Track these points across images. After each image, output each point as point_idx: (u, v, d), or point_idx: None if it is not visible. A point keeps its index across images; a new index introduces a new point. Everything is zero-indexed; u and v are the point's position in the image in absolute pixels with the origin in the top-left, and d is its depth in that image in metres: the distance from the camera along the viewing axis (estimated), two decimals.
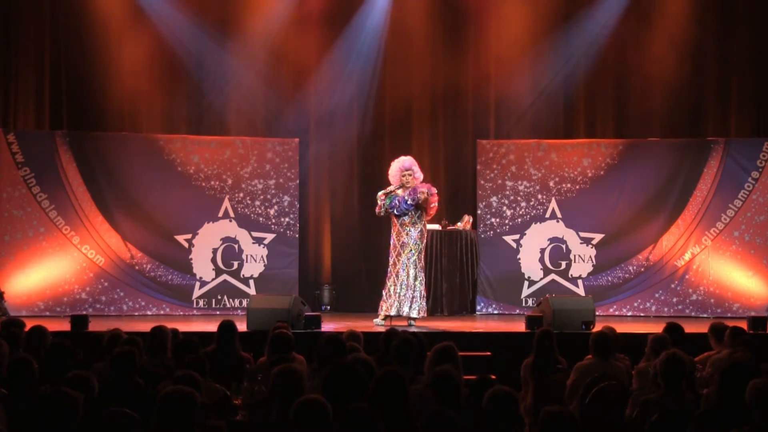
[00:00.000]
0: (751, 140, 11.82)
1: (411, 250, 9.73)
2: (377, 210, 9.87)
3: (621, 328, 7.89)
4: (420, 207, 9.70)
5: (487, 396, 4.04)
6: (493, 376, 5.02)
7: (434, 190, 9.78)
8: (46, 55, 11.75)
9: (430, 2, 12.20)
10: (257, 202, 11.89)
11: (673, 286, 11.67)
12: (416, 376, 5.27)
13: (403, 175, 9.78)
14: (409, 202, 9.61)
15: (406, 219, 9.73)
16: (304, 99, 12.20)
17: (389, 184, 9.97)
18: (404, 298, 9.70)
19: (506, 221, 11.95)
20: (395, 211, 9.70)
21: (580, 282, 11.82)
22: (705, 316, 11.41)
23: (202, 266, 11.73)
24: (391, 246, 9.86)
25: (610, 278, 11.81)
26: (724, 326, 6.77)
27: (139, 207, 11.59)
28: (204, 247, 11.75)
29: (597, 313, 9.90)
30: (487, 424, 4.01)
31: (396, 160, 10.00)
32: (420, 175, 9.92)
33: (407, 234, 9.73)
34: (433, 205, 9.74)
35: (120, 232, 11.54)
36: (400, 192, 9.75)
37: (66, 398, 4.02)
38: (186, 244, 11.72)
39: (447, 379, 4.49)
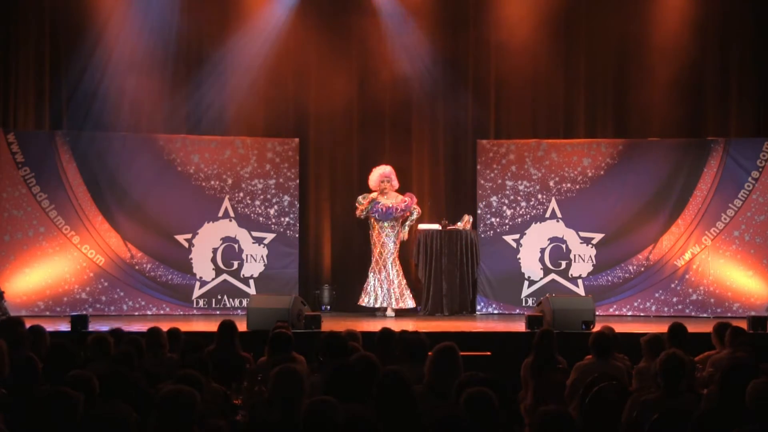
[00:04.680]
0: (751, 140, 11.82)
1: (390, 251, 11.33)
2: (358, 213, 11.39)
3: (621, 327, 7.89)
4: (398, 218, 11.36)
5: (463, 396, 4.04)
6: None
7: (415, 200, 11.48)
8: (46, 55, 11.74)
9: (430, 3, 12.19)
10: (257, 202, 11.89)
11: (673, 285, 11.67)
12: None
13: (382, 182, 11.35)
14: (394, 215, 11.29)
15: (386, 224, 11.33)
16: (304, 99, 12.20)
17: None
18: (388, 292, 11.29)
19: (506, 221, 11.95)
20: (377, 216, 11.28)
21: (580, 282, 11.82)
22: (705, 315, 11.41)
23: (202, 266, 11.74)
24: (372, 244, 11.45)
25: (610, 278, 11.81)
26: (727, 326, 6.77)
27: (139, 207, 11.59)
28: (204, 246, 11.76)
29: (597, 313, 9.92)
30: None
31: (376, 168, 11.48)
32: (396, 184, 11.48)
33: (386, 236, 11.34)
34: (414, 218, 11.50)
35: (120, 231, 11.54)
36: (381, 200, 11.29)
37: (66, 398, 4.02)
38: (186, 244, 11.72)
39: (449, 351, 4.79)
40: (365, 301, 11.45)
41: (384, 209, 11.27)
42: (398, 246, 11.45)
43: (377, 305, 11.39)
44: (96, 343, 5.94)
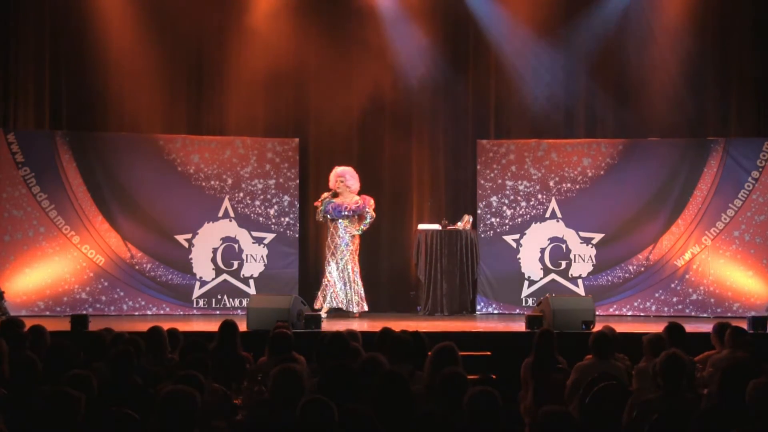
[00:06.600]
0: (751, 140, 11.81)
1: (342, 252, 11.05)
2: (316, 215, 11.22)
3: (621, 328, 7.90)
4: (353, 218, 11.08)
5: (467, 396, 4.03)
6: (493, 376, 5.03)
7: (371, 205, 11.15)
8: (46, 55, 11.73)
9: (430, 2, 12.19)
10: (257, 202, 11.89)
11: (673, 285, 11.67)
12: (414, 371, 5.28)
13: (336, 182, 11.12)
14: (343, 213, 11.01)
15: (339, 224, 11.06)
16: (304, 99, 12.20)
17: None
18: (343, 294, 11.02)
19: (506, 221, 11.95)
20: (328, 215, 11.06)
21: (580, 282, 11.82)
22: (705, 315, 11.41)
23: (202, 266, 11.74)
24: (326, 246, 11.21)
25: (610, 278, 11.81)
26: (727, 326, 6.77)
27: (139, 207, 11.60)
28: (204, 246, 11.76)
29: (597, 313, 9.92)
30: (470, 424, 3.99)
31: (335, 168, 11.25)
32: (355, 187, 11.18)
33: (339, 237, 11.07)
34: (367, 221, 11.15)
35: (120, 231, 11.54)
36: (335, 200, 11.07)
37: (66, 398, 4.02)
38: (186, 244, 11.72)
39: (455, 380, 4.44)
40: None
41: (333, 207, 11.00)
42: (353, 248, 11.10)
43: (319, 306, 11.02)
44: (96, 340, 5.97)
